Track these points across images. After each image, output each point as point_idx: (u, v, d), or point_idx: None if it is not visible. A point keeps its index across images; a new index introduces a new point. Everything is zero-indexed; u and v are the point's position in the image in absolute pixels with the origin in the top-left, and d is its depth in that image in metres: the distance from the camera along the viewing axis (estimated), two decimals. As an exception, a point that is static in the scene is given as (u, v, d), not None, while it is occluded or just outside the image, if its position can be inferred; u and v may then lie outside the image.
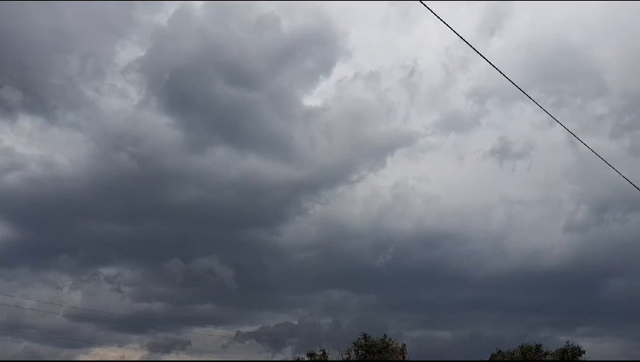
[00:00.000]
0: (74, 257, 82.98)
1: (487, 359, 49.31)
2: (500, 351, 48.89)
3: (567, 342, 48.84)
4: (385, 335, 50.40)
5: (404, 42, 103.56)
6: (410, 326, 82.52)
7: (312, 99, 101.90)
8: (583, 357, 48.10)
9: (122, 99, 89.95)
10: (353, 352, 50.15)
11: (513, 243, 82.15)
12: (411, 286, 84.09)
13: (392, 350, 48.67)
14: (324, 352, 50.44)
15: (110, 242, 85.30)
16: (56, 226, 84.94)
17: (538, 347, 48.41)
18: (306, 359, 49.85)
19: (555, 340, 62.67)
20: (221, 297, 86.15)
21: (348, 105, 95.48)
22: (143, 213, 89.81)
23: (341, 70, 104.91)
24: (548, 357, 48.11)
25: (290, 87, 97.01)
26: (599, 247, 78.06)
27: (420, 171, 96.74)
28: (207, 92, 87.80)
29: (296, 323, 79.22)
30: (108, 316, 67.62)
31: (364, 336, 50.33)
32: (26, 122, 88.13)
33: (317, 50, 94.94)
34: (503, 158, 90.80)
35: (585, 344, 51.61)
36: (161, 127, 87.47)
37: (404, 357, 48.39)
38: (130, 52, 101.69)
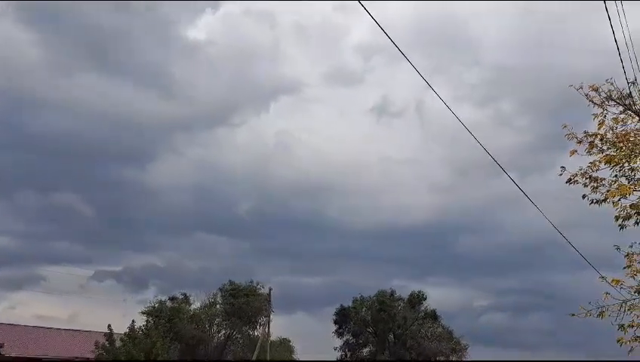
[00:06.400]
0: None
1: (350, 303, 52.96)
2: (361, 296, 52.91)
3: (416, 291, 54.30)
4: (252, 280, 51.24)
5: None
6: (280, 272, 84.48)
7: (195, 31, 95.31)
8: (426, 303, 53.51)
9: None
10: (220, 297, 50.47)
11: (384, 200, 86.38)
12: (285, 235, 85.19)
13: (259, 294, 49.74)
14: (187, 296, 50.06)
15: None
16: None
17: (392, 293, 53.07)
18: None
19: (408, 288, 68.35)
20: (81, 235, 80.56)
21: (234, 42, 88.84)
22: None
23: (230, 4, 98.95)
24: (399, 303, 53.02)
25: (172, 15, 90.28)
26: (457, 208, 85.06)
27: (303, 121, 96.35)
28: (76, 8, 78.19)
29: (162, 265, 77.17)
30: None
31: (230, 282, 50.84)
32: None
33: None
34: (383, 116, 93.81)
35: (431, 291, 57.72)
36: (20, 43, 77.31)
37: (269, 301, 49.65)
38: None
